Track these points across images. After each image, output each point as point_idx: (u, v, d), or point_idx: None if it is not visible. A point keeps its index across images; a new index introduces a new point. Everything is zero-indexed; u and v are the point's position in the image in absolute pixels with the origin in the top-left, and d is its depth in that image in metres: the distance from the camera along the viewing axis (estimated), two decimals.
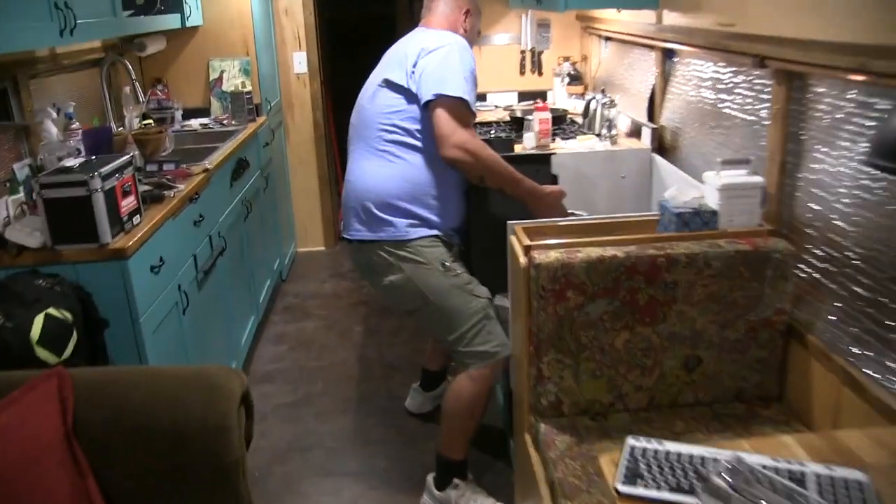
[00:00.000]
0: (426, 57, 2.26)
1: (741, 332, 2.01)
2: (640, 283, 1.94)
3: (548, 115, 3.07)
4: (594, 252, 1.94)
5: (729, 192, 2.09)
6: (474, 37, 2.55)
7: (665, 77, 3.02)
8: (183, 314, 2.45)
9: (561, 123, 3.51)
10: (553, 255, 1.93)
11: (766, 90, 2.19)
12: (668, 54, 2.98)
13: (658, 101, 3.08)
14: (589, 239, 2.04)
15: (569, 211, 2.44)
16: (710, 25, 2.41)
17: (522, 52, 4.22)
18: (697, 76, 2.70)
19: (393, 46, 2.49)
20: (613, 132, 3.13)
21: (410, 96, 2.29)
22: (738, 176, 2.10)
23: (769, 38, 2.04)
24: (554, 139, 3.16)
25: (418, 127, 2.29)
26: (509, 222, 2.21)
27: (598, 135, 3.22)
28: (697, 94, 2.69)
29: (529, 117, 3.08)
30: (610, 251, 1.94)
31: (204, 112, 4.08)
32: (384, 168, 2.32)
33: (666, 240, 2.03)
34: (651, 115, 3.15)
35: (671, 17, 2.78)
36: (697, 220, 2.09)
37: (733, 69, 2.40)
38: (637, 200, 3.08)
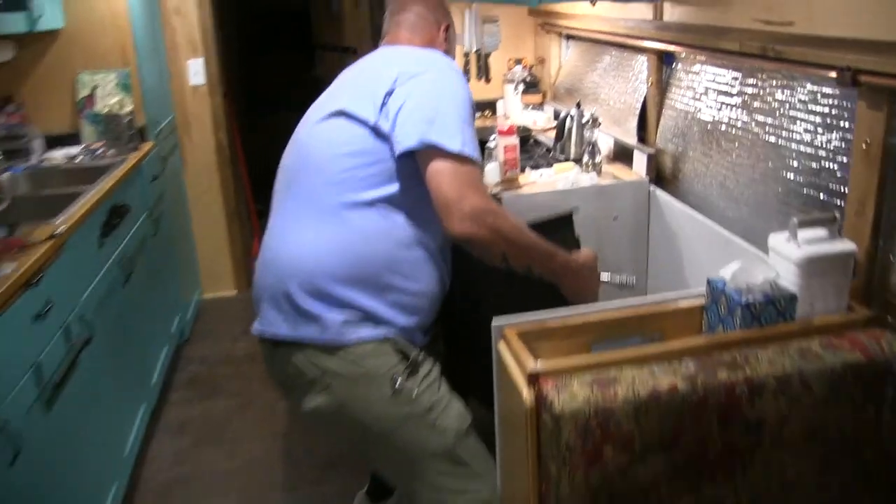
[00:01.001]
0: (406, 84, 1.55)
1: (849, 478, 1.36)
2: (712, 425, 1.27)
3: (515, 142, 2.37)
4: (641, 382, 1.26)
5: (814, 267, 1.43)
6: (452, 58, 1.87)
7: (662, 87, 2.36)
8: (12, 465, 1.66)
9: (524, 145, 2.83)
10: (581, 392, 1.24)
11: (823, 107, 1.56)
12: (665, 58, 2.32)
13: (652, 118, 2.42)
14: (625, 354, 1.36)
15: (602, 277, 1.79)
16: (747, 23, 1.76)
17: (466, 54, 3.50)
18: (709, 87, 2.05)
19: (353, 67, 1.78)
20: (598, 159, 2.46)
21: (380, 136, 1.56)
22: (822, 242, 1.45)
23: (854, 43, 1.40)
24: (523, 170, 2.47)
25: (388, 179, 1.57)
26: (495, 323, 1.50)
27: (577, 161, 2.55)
28: (710, 108, 2.04)
29: (490, 143, 2.38)
30: (664, 379, 1.27)
31: (72, 139, 3.23)
32: (326, 234, 1.57)
33: (736, 346, 1.37)
34: (642, 135, 2.50)
35: (677, 12, 2.12)
36: (772, 310, 1.44)
37: (763, 77, 1.76)
38: (633, 248, 2.42)
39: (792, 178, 1.73)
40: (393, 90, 1.54)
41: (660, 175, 2.38)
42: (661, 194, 2.32)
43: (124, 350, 2.63)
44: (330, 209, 1.56)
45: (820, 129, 1.62)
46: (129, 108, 3.23)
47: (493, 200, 1.57)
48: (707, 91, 2.08)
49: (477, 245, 1.52)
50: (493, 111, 3.49)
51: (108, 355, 2.42)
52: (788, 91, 1.72)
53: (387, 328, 1.58)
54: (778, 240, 1.49)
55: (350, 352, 1.56)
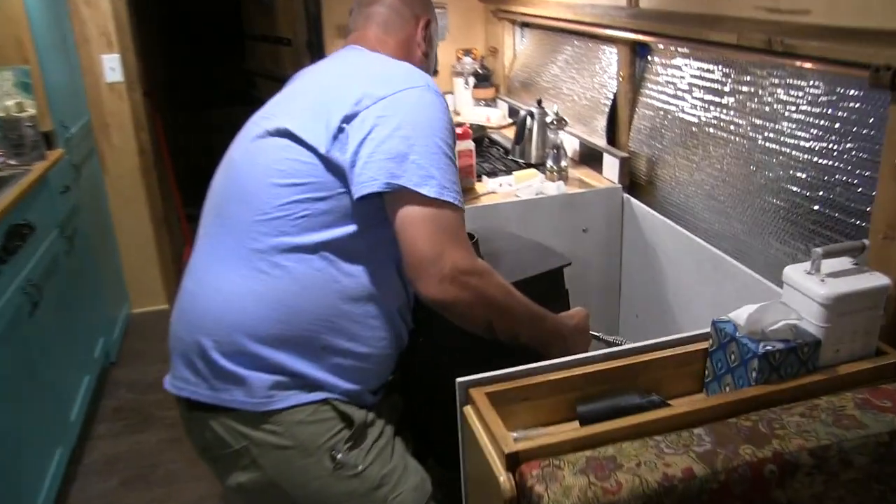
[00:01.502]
0: (371, 109, 1.24)
1: None
2: None
3: (471, 147, 2.10)
4: (648, 465, 1.00)
5: (842, 307, 1.20)
6: (434, 65, 1.57)
7: (635, 83, 2.11)
8: None
9: (479, 146, 2.56)
10: (575, 483, 0.98)
11: (840, 111, 1.32)
12: (639, 51, 2.07)
13: (623, 117, 2.17)
14: (623, 424, 1.10)
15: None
16: (748, 11, 1.51)
17: None
18: (693, 83, 1.81)
19: (308, 72, 1.47)
20: (563, 164, 2.20)
21: (332, 169, 1.25)
22: (850, 275, 1.22)
23: (893, 36, 1.16)
24: (479, 178, 2.20)
25: (339, 219, 1.27)
26: (459, 381, 1.22)
27: (538, 166, 2.29)
28: (694, 108, 1.79)
29: None
30: (676, 460, 1.02)
31: None
32: (252, 283, 1.26)
33: (754, 406, 1.14)
34: (612, 137, 2.25)
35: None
36: (793, 359, 1.20)
37: (762, 74, 1.51)
38: (605, 265, 2.18)
39: (797, 190, 1.50)
40: (354, 115, 1.24)
41: (634, 182, 2.13)
42: (636, 204, 2.08)
43: (34, 389, 2.28)
44: (260, 252, 1.25)
45: (834, 137, 1.39)
46: (30, 111, 2.84)
47: (478, 257, 1.28)
48: (691, 88, 1.83)
49: (457, 311, 1.24)
50: None
51: (14, 398, 2.08)
52: (794, 91, 1.48)
53: (326, 392, 1.29)
54: (796, 272, 1.25)
55: (280, 419, 1.27)
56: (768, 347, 1.18)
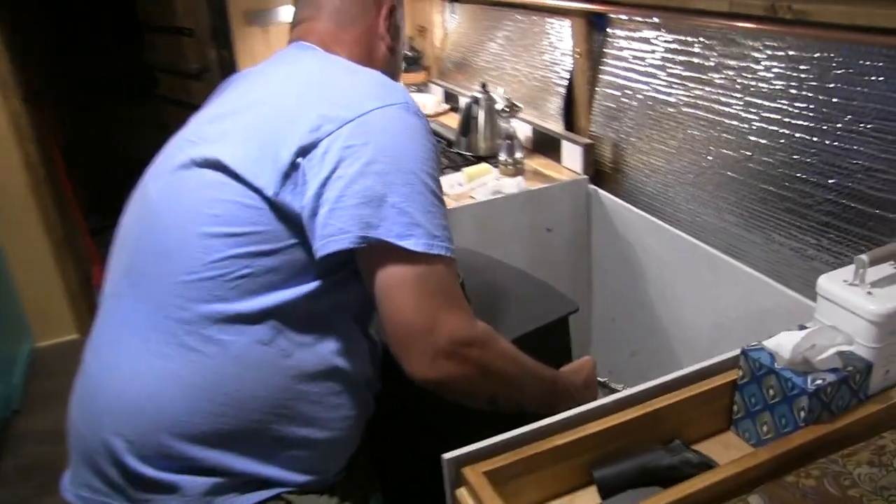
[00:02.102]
0: (334, 138, 0.94)
1: None
2: None
3: None
4: None
5: (894, 323, 1.00)
6: (400, 64, 1.25)
7: (594, 59, 1.87)
8: None
9: None
10: None
11: (862, 87, 1.12)
12: (596, 22, 1.83)
13: (582, 98, 1.94)
14: (664, 500, 0.87)
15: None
16: None
17: None
18: (667, 57, 1.59)
19: (239, 81, 1.15)
20: (518, 155, 1.96)
21: (282, 216, 0.96)
22: None
23: None
24: None
25: (290, 278, 0.98)
26: (446, 458, 0.97)
27: (490, 159, 2.04)
28: (669, 87, 1.58)
29: None
30: None
31: None
32: (177, 364, 0.95)
33: (810, 455, 0.93)
34: (570, 121, 2.01)
35: None
36: (845, 391, 0.99)
37: (758, 46, 1.30)
38: (572, 267, 1.96)
39: (804, 177, 1.29)
40: (312, 146, 0.93)
41: (599, 171, 1.91)
42: (604, 196, 1.86)
43: None
44: (188, 323, 0.95)
45: (851, 117, 1.18)
46: None
47: (474, 317, 1.01)
48: (665, 64, 1.61)
49: (456, 390, 0.98)
50: None
51: None
52: (800, 64, 1.26)
53: (278, 487, 1.02)
54: (834, 283, 1.04)
55: None
56: (819, 382, 0.97)
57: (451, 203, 1.81)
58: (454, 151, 2.16)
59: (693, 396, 1.08)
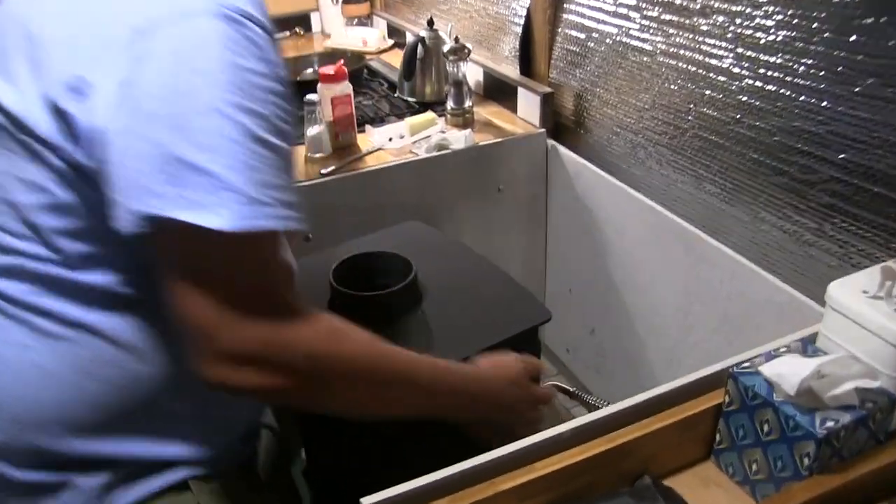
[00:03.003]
0: (108, 67, 0.65)
1: None
2: None
3: (347, 91, 1.57)
4: None
5: None
6: None
7: None
8: None
9: (357, 81, 2.01)
10: None
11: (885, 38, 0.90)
12: None
13: (541, 39, 1.68)
14: None
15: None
16: None
17: None
18: None
19: None
20: (468, 104, 1.71)
21: (77, 171, 0.69)
22: None
23: None
24: (362, 128, 1.68)
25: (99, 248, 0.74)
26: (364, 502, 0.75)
27: (436, 105, 1.79)
28: (644, 31, 1.33)
29: (312, 96, 1.55)
30: None
31: None
32: (42, 352, 0.76)
33: None
34: (527, 66, 1.76)
35: None
36: (862, 433, 0.80)
37: None
38: (526, 233, 1.74)
39: (806, 149, 1.08)
40: (79, 84, 0.65)
41: (559, 124, 1.67)
42: (564, 154, 1.63)
43: None
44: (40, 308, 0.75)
45: (873, 80, 0.96)
46: None
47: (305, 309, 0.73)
48: (639, 3, 1.36)
49: (274, 399, 0.82)
50: (307, 28, 2.60)
51: None
52: (809, 12, 1.03)
53: (185, 467, 0.84)
54: (849, 294, 0.84)
55: None
56: (830, 424, 0.77)
57: (388, 160, 1.56)
58: (396, 96, 1.90)
59: (669, 425, 0.88)
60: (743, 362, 0.88)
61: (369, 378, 0.78)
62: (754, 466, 0.85)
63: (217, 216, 0.62)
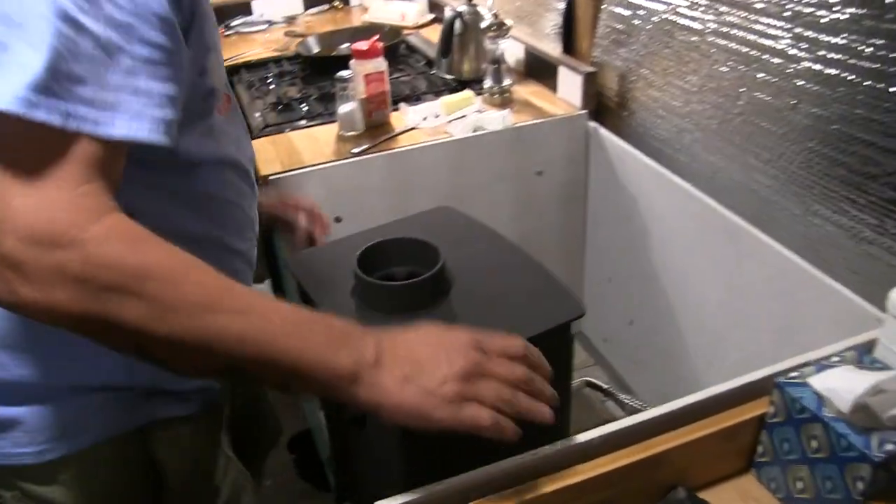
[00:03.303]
0: None
1: None
2: None
3: (382, 68, 1.52)
4: None
5: None
6: None
7: None
8: None
9: (393, 56, 1.96)
10: None
11: None
12: None
13: (584, 16, 1.61)
14: None
15: None
16: None
17: None
18: None
19: None
20: (506, 83, 1.64)
21: None
22: None
23: None
24: (397, 106, 1.63)
25: None
26: None
27: (474, 84, 1.72)
28: (693, 6, 1.25)
29: (345, 73, 1.50)
30: None
31: None
32: None
33: None
34: (569, 43, 1.68)
35: None
36: None
37: None
38: (565, 220, 1.67)
39: (869, 139, 0.99)
40: None
41: (602, 105, 1.60)
42: (605, 137, 1.55)
43: None
44: None
45: None
46: None
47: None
48: None
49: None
50: (345, 1, 2.55)
51: None
52: None
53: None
54: None
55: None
56: (890, 447, 0.70)
57: (421, 140, 1.50)
58: (433, 73, 1.84)
59: (708, 435, 0.82)
60: (790, 370, 0.82)
61: (173, 288, 0.59)
62: (799, 484, 0.79)
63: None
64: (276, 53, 2.07)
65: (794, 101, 1.10)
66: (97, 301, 0.57)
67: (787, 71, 1.10)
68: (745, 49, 1.18)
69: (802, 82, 1.08)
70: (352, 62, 1.50)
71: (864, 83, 0.97)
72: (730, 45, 1.21)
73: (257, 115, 1.64)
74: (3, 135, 0.57)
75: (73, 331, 0.59)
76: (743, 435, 0.84)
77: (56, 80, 0.56)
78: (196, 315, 0.59)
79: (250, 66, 1.97)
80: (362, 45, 1.48)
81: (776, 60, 1.12)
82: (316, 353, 0.61)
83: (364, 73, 1.49)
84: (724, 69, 1.23)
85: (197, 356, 0.60)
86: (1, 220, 0.56)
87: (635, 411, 1.21)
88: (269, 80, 1.85)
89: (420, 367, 0.63)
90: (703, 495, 0.83)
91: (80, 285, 0.56)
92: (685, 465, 0.83)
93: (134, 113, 0.60)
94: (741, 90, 1.20)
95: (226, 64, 2.00)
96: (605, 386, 1.11)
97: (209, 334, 0.59)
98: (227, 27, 2.28)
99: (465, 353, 0.64)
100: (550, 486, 0.75)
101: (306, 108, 1.68)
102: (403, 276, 1.03)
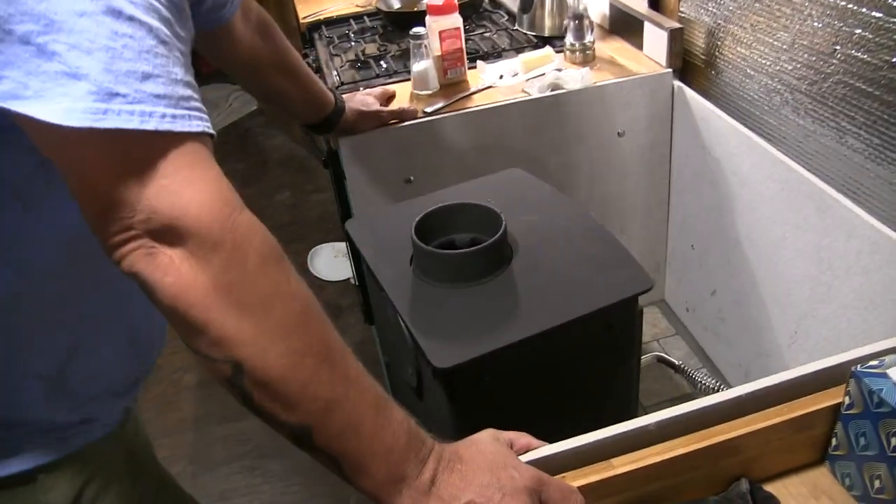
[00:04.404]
0: None
1: None
2: None
3: (457, 23, 1.48)
4: None
5: None
6: None
7: None
8: None
9: (474, 13, 1.91)
10: None
11: None
12: None
13: None
14: None
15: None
16: None
17: None
18: None
19: None
20: (588, 39, 1.57)
21: None
22: None
23: None
24: (474, 64, 1.59)
25: None
26: None
27: (556, 40, 1.66)
28: None
29: (420, 29, 1.47)
30: None
31: None
32: None
33: None
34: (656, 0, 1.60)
35: None
36: None
37: None
38: (648, 183, 1.61)
39: None
40: None
41: (689, 63, 1.51)
42: (691, 97, 1.48)
43: None
44: None
45: None
46: None
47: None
48: None
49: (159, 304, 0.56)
50: None
51: None
52: None
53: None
54: None
55: None
56: None
57: (497, 99, 1.46)
58: (515, 29, 1.78)
59: (777, 424, 0.77)
60: (869, 357, 0.76)
61: (294, 319, 0.57)
62: (877, 483, 0.73)
63: (58, 108, 0.50)
64: (357, 9, 2.05)
65: (894, 59, 1.01)
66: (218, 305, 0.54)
67: (888, 26, 1.01)
68: (840, 2, 1.08)
69: None
70: (427, 18, 1.47)
71: None
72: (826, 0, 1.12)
73: (334, 73, 1.63)
74: (95, 150, 0.53)
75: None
76: (816, 425, 0.79)
77: (119, 81, 0.52)
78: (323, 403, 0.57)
79: (330, 22, 1.96)
80: (437, 1, 1.44)
81: (876, 14, 1.02)
82: (386, 464, 0.60)
83: (439, 29, 1.46)
84: (817, 24, 1.14)
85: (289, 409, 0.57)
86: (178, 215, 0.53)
87: (707, 388, 1.16)
88: (349, 37, 1.84)
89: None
90: (770, 487, 0.78)
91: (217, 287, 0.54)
92: (752, 456, 0.78)
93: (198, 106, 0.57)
94: (836, 47, 1.10)
95: (307, 20, 1.98)
96: (678, 363, 1.06)
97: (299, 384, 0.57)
98: None
99: (520, 498, 0.62)
100: (601, 474, 0.73)
101: (385, 65, 1.66)
102: (466, 244, 1.01)
